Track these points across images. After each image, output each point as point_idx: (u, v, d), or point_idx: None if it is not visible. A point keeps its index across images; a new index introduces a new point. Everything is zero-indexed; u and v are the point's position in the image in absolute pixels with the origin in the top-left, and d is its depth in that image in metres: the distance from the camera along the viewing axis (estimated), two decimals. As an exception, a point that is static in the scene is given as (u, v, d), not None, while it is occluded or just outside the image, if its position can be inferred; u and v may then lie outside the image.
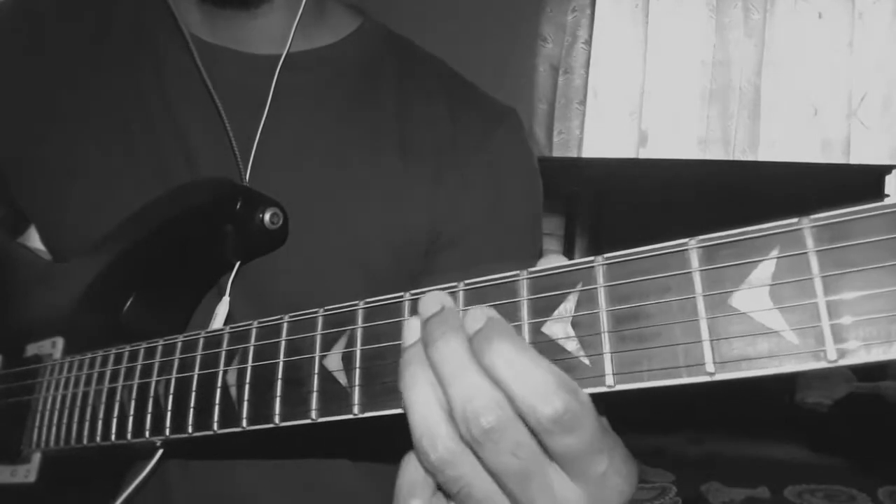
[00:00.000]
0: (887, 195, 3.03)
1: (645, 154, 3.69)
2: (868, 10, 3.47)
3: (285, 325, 0.56)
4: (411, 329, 0.45)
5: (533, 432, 0.40)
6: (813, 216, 0.34)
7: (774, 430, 2.82)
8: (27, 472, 0.75)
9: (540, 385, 0.39)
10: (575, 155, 3.69)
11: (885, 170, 3.10)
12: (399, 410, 0.47)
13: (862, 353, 0.32)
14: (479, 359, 0.41)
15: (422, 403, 0.43)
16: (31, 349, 0.79)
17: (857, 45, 3.46)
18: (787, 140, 3.55)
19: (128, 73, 0.84)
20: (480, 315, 0.42)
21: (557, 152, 3.68)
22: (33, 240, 0.91)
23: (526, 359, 0.40)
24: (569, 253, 3.27)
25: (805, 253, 0.35)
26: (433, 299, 0.45)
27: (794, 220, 0.35)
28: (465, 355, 0.41)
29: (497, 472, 0.41)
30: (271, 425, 0.55)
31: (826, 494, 2.39)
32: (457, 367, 0.41)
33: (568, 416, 0.39)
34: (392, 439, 0.63)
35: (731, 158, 3.57)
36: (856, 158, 3.46)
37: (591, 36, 3.69)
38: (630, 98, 3.69)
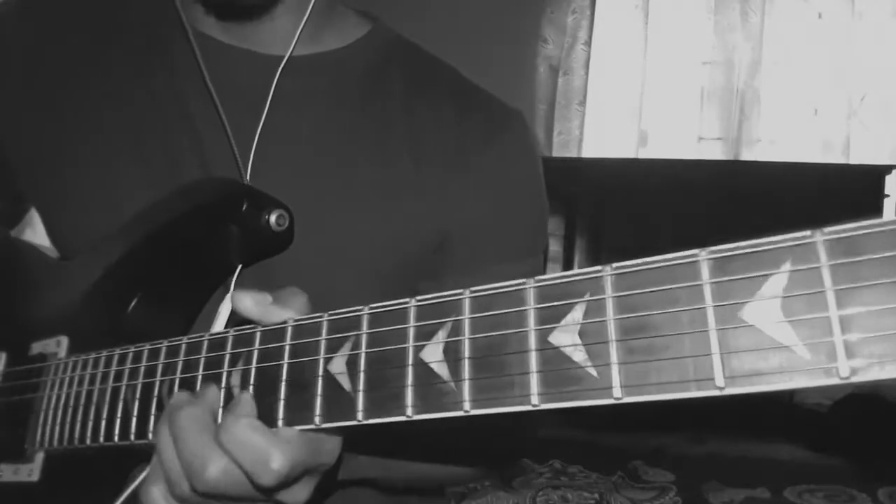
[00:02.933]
0: (887, 195, 3.02)
1: (645, 154, 3.69)
2: (868, 10, 3.46)
3: (289, 328, 0.56)
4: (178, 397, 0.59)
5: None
6: (826, 229, 0.34)
7: (774, 430, 2.81)
8: (30, 471, 0.74)
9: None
10: (575, 155, 3.69)
11: (885, 170, 3.10)
12: (403, 418, 0.47)
13: (875, 371, 0.32)
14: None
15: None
16: (36, 347, 0.79)
17: (857, 45, 3.46)
18: (787, 140, 3.55)
19: (141, 71, 0.84)
20: (247, 400, 0.56)
21: (557, 152, 3.68)
22: (38, 236, 0.91)
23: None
24: (569, 253, 3.27)
25: (818, 267, 0.34)
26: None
27: (807, 232, 0.34)
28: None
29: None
30: (274, 429, 0.55)
31: (826, 494, 2.39)
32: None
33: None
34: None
35: (731, 158, 3.57)
36: (856, 158, 3.46)
37: (590, 37, 3.69)
38: (630, 98, 3.69)
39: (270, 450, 0.53)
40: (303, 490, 0.59)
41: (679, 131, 3.65)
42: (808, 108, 3.54)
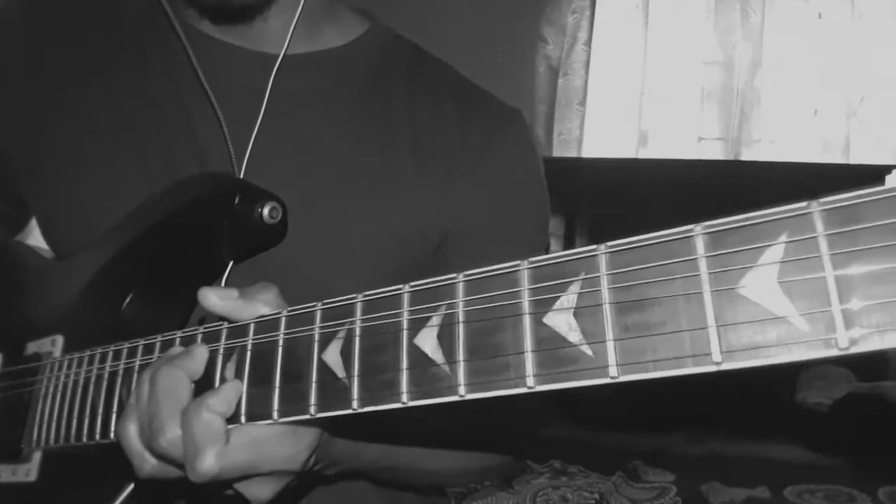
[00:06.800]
0: (888, 194, 3.02)
1: (645, 154, 3.68)
2: (868, 10, 3.46)
3: (283, 319, 0.56)
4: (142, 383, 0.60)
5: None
6: (822, 199, 0.33)
7: (774, 430, 2.80)
8: (28, 471, 0.74)
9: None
10: (575, 155, 3.69)
11: (885, 170, 3.09)
12: (399, 405, 0.47)
13: (875, 340, 0.30)
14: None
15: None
16: (32, 347, 0.79)
17: (857, 45, 3.46)
18: (787, 140, 3.55)
19: (138, 71, 0.84)
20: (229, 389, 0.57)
21: (557, 152, 3.68)
22: (34, 237, 0.91)
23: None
24: (569, 253, 3.26)
25: (814, 237, 0.33)
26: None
27: (803, 203, 0.34)
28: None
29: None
30: (269, 421, 0.55)
31: (826, 494, 2.38)
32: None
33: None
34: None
35: (731, 158, 3.57)
36: (856, 158, 3.46)
37: (590, 37, 3.69)
38: (630, 98, 3.69)
39: (205, 449, 0.55)
40: (261, 487, 0.60)
41: (679, 131, 3.65)
42: (808, 108, 3.53)
